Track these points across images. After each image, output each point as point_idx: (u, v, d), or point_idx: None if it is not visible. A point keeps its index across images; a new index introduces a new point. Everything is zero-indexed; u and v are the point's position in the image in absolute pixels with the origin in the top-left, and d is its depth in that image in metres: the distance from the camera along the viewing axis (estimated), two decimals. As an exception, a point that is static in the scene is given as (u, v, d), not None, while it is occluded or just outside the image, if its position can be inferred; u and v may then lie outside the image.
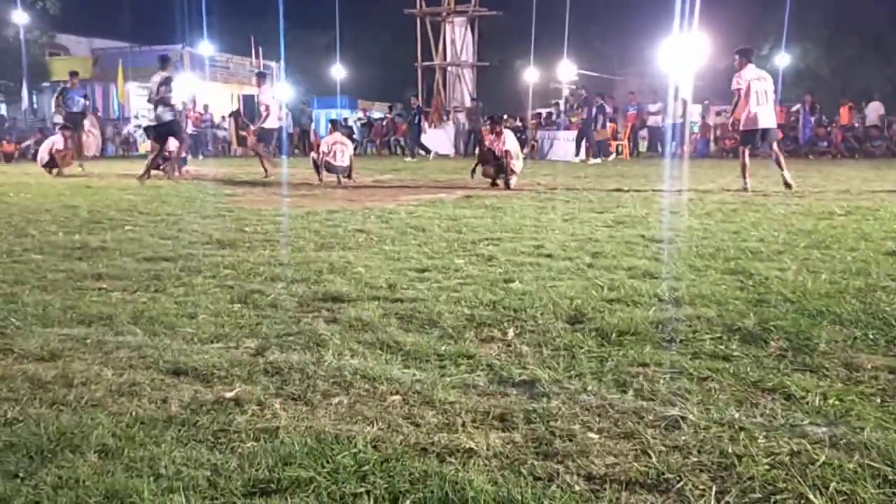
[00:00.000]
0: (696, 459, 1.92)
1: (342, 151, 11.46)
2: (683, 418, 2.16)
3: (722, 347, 2.80)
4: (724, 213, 6.93)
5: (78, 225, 6.36)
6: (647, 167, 15.47)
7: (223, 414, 2.20)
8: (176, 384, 2.46)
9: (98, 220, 6.65)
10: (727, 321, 3.12)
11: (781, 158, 9.54)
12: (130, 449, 1.95)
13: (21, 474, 1.83)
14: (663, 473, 1.85)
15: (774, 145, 9.66)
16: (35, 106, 30.59)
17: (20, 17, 27.86)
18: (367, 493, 1.75)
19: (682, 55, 20.18)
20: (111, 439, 2.00)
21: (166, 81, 11.50)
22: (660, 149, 21.55)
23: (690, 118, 20.89)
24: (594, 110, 19.17)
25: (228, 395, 2.35)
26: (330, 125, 13.02)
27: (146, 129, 11.72)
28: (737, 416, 2.18)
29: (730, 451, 1.95)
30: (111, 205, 8.08)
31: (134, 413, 2.19)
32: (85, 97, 16.59)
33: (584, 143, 18.90)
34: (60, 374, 2.53)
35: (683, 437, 2.04)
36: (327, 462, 1.88)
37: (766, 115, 9.47)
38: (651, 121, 22.07)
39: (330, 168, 11.43)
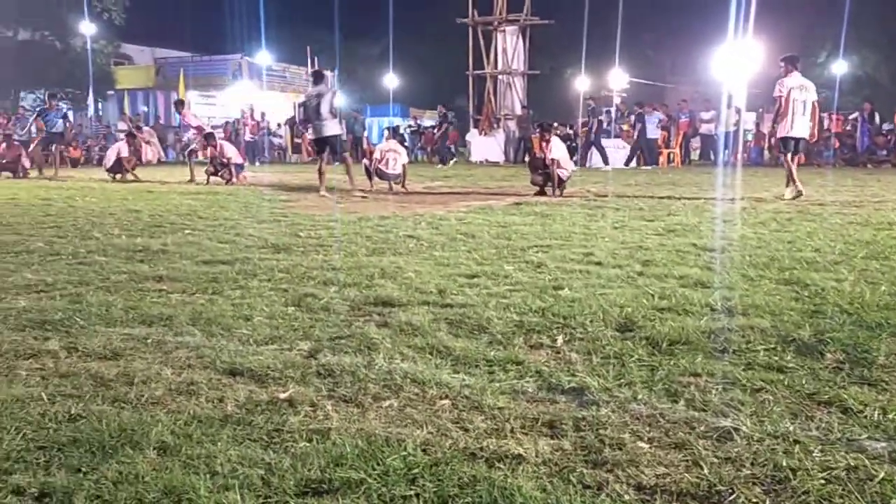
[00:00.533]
0: (749, 472, 1.90)
1: (395, 159, 11.56)
2: (736, 430, 2.13)
3: (776, 359, 2.75)
4: (778, 223, 6.78)
5: (140, 228, 6.56)
6: (699, 175, 15.22)
7: (277, 414, 2.25)
8: (232, 384, 2.52)
9: (159, 224, 6.85)
10: (782, 332, 3.06)
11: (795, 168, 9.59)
12: (188, 446, 2.01)
13: (83, 469, 1.89)
14: (715, 485, 1.83)
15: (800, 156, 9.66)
16: (100, 113, 31.62)
17: (87, 28, 28.85)
18: (417, 496, 1.77)
19: (736, 62, 19.84)
20: (170, 437, 2.07)
21: (333, 95, 11.29)
22: (712, 157, 21.18)
23: (744, 126, 20.51)
24: (594, 121, 19.35)
25: (282, 395, 2.40)
26: (386, 132, 13.15)
27: (317, 140, 10.86)
28: (791, 428, 2.14)
29: (784, 464, 1.92)
30: (171, 209, 8.31)
31: (191, 411, 2.26)
32: (64, 118, 16.91)
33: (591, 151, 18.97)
34: (122, 373, 2.61)
35: (736, 449, 2.02)
36: (378, 464, 1.91)
37: (800, 126, 9.38)
38: (704, 128, 21.70)
39: (382, 175, 11.54)
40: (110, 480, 1.82)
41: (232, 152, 13.92)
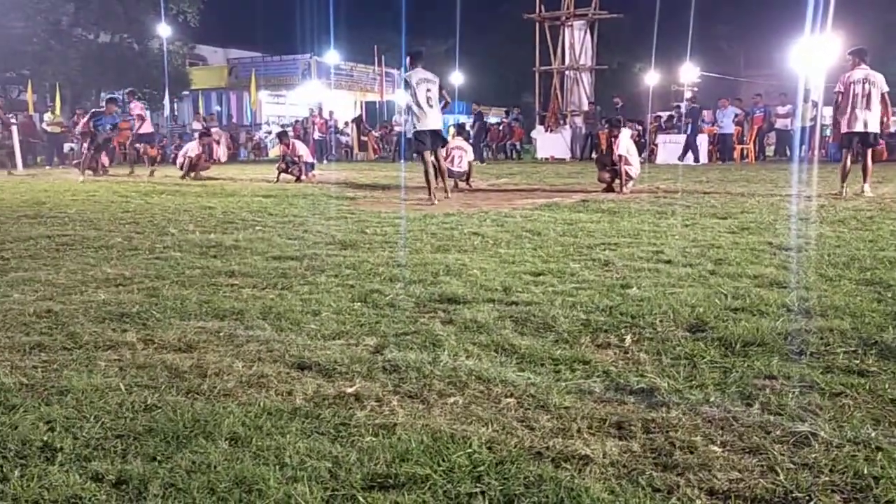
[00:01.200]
0: (827, 479, 1.82)
1: (460, 157, 11.57)
2: (814, 435, 2.05)
3: (857, 362, 2.64)
4: (858, 221, 6.51)
5: (213, 225, 6.74)
6: (774, 171, 14.75)
7: (344, 408, 2.28)
8: (300, 378, 2.56)
9: (231, 221, 7.02)
10: (863, 334, 2.94)
11: (869, 167, 9.21)
12: (258, 438, 2.05)
13: (159, 457, 1.95)
14: (792, 492, 1.77)
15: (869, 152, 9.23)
16: (175, 113, 32.68)
17: (164, 30, 29.82)
18: (483, 493, 1.77)
19: (814, 55, 19.14)
20: (241, 428, 2.11)
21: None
22: (788, 152, 20.49)
23: (822, 121, 19.77)
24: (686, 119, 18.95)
25: (349, 390, 2.42)
26: (453, 129, 13.17)
27: (433, 132, 9.25)
28: (873, 434, 2.05)
29: (865, 471, 1.84)
30: (243, 206, 8.52)
31: (262, 404, 2.30)
32: (114, 127, 16.18)
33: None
34: (195, 365, 2.68)
35: (814, 455, 1.94)
36: (443, 460, 1.91)
37: (863, 120, 8.96)
38: (779, 123, 21.02)
39: (449, 172, 11.57)
40: (184, 469, 1.87)
41: (303, 151, 14.22)
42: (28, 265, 4.71)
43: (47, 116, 22.37)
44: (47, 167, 19.97)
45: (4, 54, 27.34)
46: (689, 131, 19.45)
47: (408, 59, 9.83)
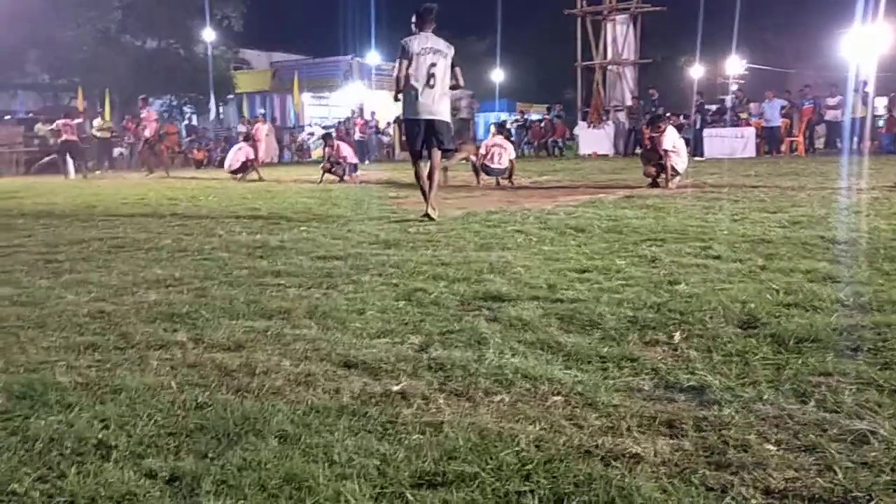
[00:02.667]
0: (888, 478, 1.76)
1: (500, 154, 11.54)
2: (873, 433, 1.98)
3: (918, 359, 2.55)
4: (917, 213, 6.31)
5: (259, 226, 6.83)
6: (825, 164, 14.38)
7: (390, 406, 2.28)
8: (347, 376, 2.57)
9: (276, 222, 7.11)
10: (924, 330, 2.84)
11: None
12: (307, 436, 2.06)
13: (210, 454, 1.97)
14: (851, 491, 1.71)
15: None
16: (221, 116, 33.26)
17: (209, 35, 30.35)
18: (532, 492, 1.75)
19: (864, 45, 18.62)
20: (289, 426, 2.13)
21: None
22: (838, 145, 19.97)
23: (875, 112, 19.22)
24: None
25: (395, 388, 2.43)
26: (493, 128, 13.15)
27: (427, 124, 6.91)
28: (937, 434, 1.98)
29: (929, 471, 1.78)
30: (288, 207, 8.62)
31: (309, 402, 2.32)
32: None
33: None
34: (244, 363, 2.72)
35: (873, 454, 1.88)
36: (491, 459, 1.90)
37: None
38: (829, 115, 20.50)
39: (488, 171, 11.56)
40: (235, 466, 1.89)
41: (347, 151, 14.37)
42: (81, 267, 4.83)
43: (97, 122, 22.95)
44: (98, 172, 20.48)
45: (57, 63, 28.11)
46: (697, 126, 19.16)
47: (413, 18, 6.98)
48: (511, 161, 11.65)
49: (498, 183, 11.48)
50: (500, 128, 13.61)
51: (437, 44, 6.89)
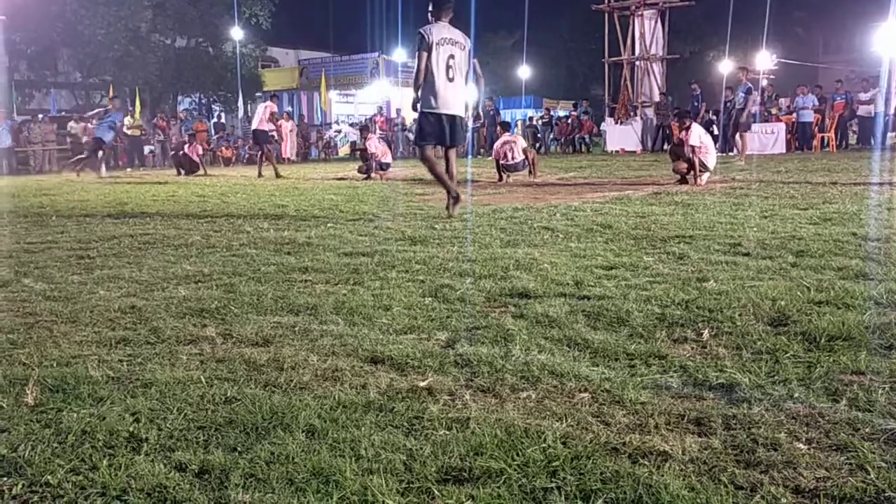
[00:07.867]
0: (923, 479, 1.73)
1: (511, 149, 11.69)
2: (907, 433, 1.95)
3: (954, 358, 2.50)
4: (954, 210, 6.18)
5: (286, 222, 6.88)
6: (857, 160, 14.14)
7: (417, 402, 2.28)
8: (374, 371, 2.58)
9: (304, 218, 7.16)
10: (960, 329, 2.78)
11: None
12: (334, 430, 2.08)
13: (239, 448, 1.99)
14: (884, 491, 1.69)
15: None
16: (249, 115, 33.53)
17: (237, 34, 30.61)
18: (558, 488, 1.74)
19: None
20: (317, 420, 2.14)
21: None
22: (872, 140, 19.62)
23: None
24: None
25: (422, 384, 2.43)
26: (498, 128, 13.19)
27: (450, 119, 6.78)
28: (973, 434, 1.94)
29: (965, 472, 1.74)
30: (315, 204, 8.67)
31: (337, 397, 2.33)
32: (112, 127, 17.52)
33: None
34: (272, 358, 2.74)
35: (907, 454, 1.85)
36: (517, 455, 1.90)
37: None
38: (862, 110, 20.14)
39: (507, 168, 11.65)
40: (263, 460, 1.91)
41: (376, 149, 14.31)
42: (112, 263, 4.90)
43: (127, 120, 23.25)
44: (128, 169, 20.76)
45: (89, 61, 28.52)
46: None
47: (430, 7, 6.76)
48: (525, 150, 11.74)
49: (509, 177, 11.70)
50: (505, 126, 13.67)
51: (454, 35, 6.76)
